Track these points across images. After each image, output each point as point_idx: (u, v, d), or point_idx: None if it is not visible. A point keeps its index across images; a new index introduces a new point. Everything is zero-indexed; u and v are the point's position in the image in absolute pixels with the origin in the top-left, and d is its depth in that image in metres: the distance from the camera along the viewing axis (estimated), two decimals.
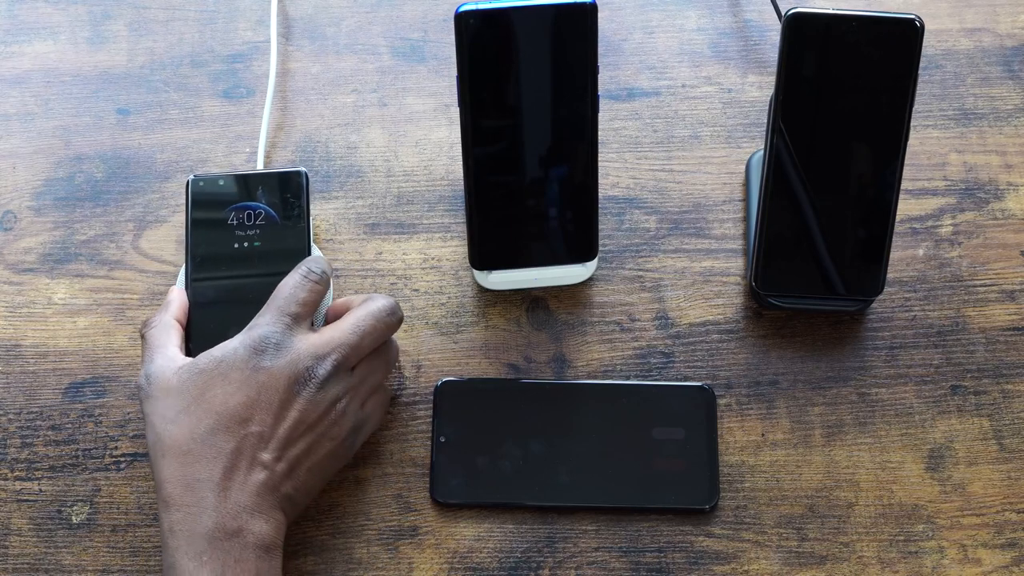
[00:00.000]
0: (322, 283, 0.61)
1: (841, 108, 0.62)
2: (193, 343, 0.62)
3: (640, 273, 0.69)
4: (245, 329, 0.58)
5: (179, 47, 0.76)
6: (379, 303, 0.60)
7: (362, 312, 0.60)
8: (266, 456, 0.56)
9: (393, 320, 0.61)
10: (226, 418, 0.56)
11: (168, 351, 0.59)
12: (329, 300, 0.66)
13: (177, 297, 0.63)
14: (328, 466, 0.60)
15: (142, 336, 0.61)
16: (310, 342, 0.58)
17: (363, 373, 0.60)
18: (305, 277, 0.60)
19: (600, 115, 0.63)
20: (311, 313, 0.60)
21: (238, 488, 0.55)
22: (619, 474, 0.64)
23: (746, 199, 0.71)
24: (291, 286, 0.60)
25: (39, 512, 0.64)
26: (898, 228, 0.69)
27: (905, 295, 0.69)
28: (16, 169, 0.73)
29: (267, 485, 0.56)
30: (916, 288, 0.69)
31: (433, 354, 0.67)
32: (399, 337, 0.68)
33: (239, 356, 0.57)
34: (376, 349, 0.61)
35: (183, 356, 0.59)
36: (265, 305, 0.59)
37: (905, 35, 0.61)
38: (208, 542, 0.54)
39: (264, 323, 0.58)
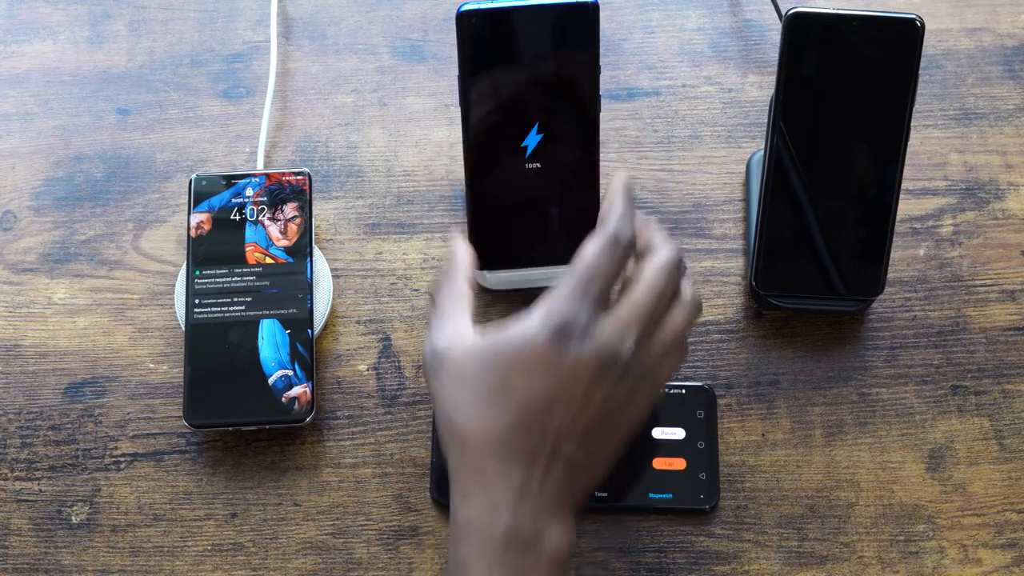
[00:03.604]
0: (628, 253, 0.54)
1: (841, 108, 0.62)
2: None
3: None
4: (543, 305, 0.52)
5: (179, 47, 0.76)
6: (664, 256, 0.54)
7: (652, 272, 0.54)
8: (567, 449, 0.51)
9: (682, 272, 0.55)
10: (529, 413, 0.51)
11: (458, 324, 0.54)
12: (328, 305, 0.66)
13: (465, 255, 0.57)
14: (620, 446, 0.54)
15: (431, 298, 0.56)
16: (612, 322, 0.52)
17: (661, 338, 0.54)
18: (612, 248, 0.53)
19: (600, 115, 0.63)
20: (612, 287, 0.53)
21: (538, 486, 0.51)
22: (619, 474, 0.64)
23: (746, 199, 0.71)
24: (596, 258, 0.53)
25: (39, 512, 0.64)
26: (898, 228, 0.69)
27: (905, 295, 0.69)
28: (16, 169, 0.73)
29: (567, 481, 0.52)
30: (916, 288, 0.69)
31: None
32: (399, 336, 0.68)
33: (541, 342, 0.51)
34: (671, 302, 0.55)
35: (472, 331, 0.53)
36: (565, 278, 0.53)
37: (905, 35, 0.61)
38: (503, 545, 0.50)
39: (567, 303, 0.51)
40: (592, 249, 0.53)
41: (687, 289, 0.56)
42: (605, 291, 0.52)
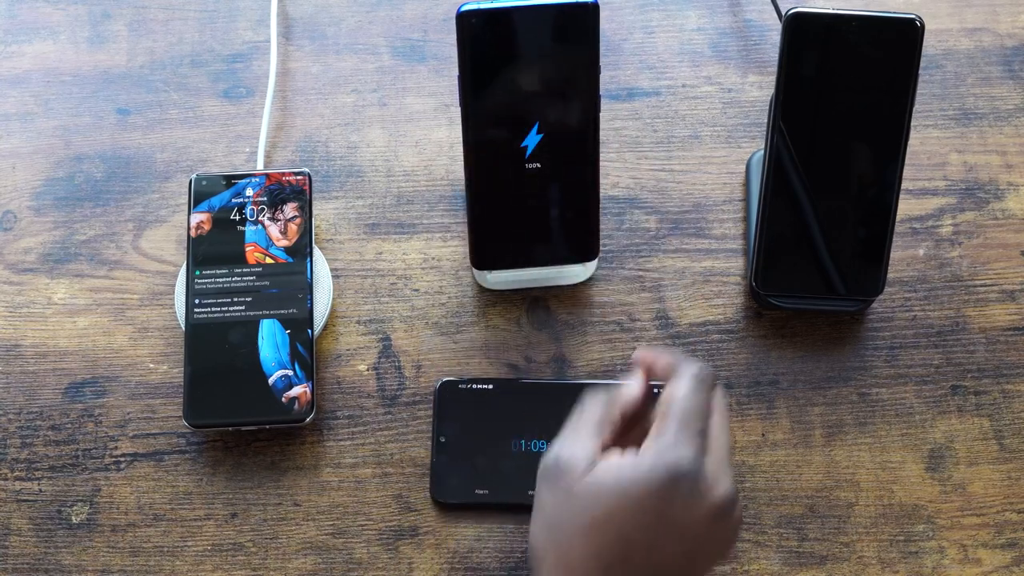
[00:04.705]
0: (713, 389, 0.56)
1: (841, 108, 0.62)
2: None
3: (640, 273, 0.69)
4: (654, 446, 0.53)
5: (179, 47, 0.76)
6: (722, 394, 0.56)
7: (721, 407, 0.56)
8: None
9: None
10: (632, 549, 0.51)
11: (586, 442, 0.54)
12: (328, 305, 0.66)
13: (638, 394, 0.57)
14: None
15: (583, 402, 0.56)
16: (714, 463, 0.53)
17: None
18: (701, 386, 0.55)
19: (600, 115, 0.63)
20: (708, 424, 0.54)
21: None
22: None
23: (746, 199, 0.71)
24: (693, 399, 0.54)
25: (39, 512, 0.64)
26: (898, 228, 0.69)
27: (905, 295, 0.69)
28: (16, 169, 0.73)
29: None
30: (916, 288, 0.69)
31: (433, 354, 0.67)
32: (399, 336, 0.68)
33: (654, 486, 0.51)
34: None
35: (592, 457, 0.53)
36: (666, 418, 0.53)
37: (905, 35, 0.61)
38: None
39: (677, 446, 0.52)
40: (684, 390, 0.54)
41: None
42: (704, 430, 0.54)
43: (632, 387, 0.57)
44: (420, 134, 0.73)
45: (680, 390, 0.54)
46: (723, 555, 0.55)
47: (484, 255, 0.66)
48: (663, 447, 0.52)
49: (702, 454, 0.53)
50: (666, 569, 0.52)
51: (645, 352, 0.58)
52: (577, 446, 0.54)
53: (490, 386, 0.66)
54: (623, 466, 0.52)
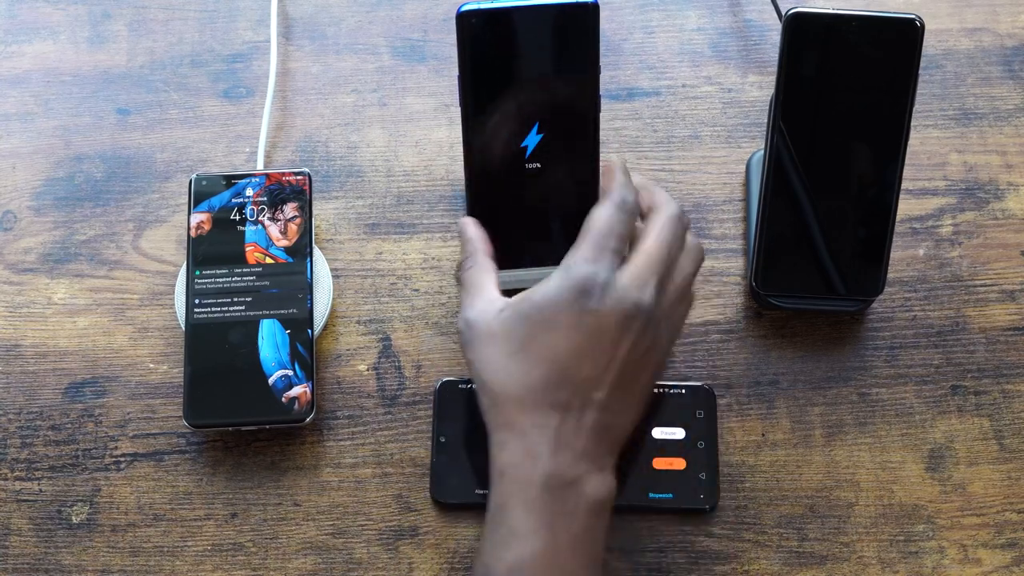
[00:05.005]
0: (635, 214, 0.57)
1: (841, 108, 0.62)
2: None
3: None
4: (562, 269, 0.55)
5: (179, 47, 0.76)
6: (669, 211, 0.57)
7: (660, 225, 0.56)
8: (598, 396, 0.54)
9: (685, 224, 0.58)
10: (557, 366, 0.54)
11: (488, 293, 0.57)
12: (328, 305, 0.66)
13: (477, 233, 0.60)
14: (649, 389, 0.58)
15: (457, 279, 0.59)
16: (630, 274, 0.55)
17: (674, 285, 0.57)
18: (621, 210, 0.56)
19: (600, 115, 0.63)
20: (626, 245, 0.56)
21: (572, 433, 0.53)
22: (619, 474, 0.63)
23: (746, 199, 0.71)
24: (608, 219, 0.56)
25: (39, 512, 0.64)
26: (898, 228, 0.69)
27: (905, 295, 0.69)
28: (16, 169, 0.73)
29: (601, 427, 0.54)
30: (916, 288, 0.69)
31: (433, 354, 0.67)
32: (399, 336, 0.68)
33: (563, 300, 0.54)
34: (679, 252, 0.58)
35: (502, 298, 0.57)
36: (580, 240, 0.55)
37: (905, 35, 0.61)
38: (542, 488, 0.53)
39: (584, 261, 0.54)
40: (602, 212, 0.56)
41: (690, 239, 0.58)
42: (620, 248, 0.55)
43: (466, 224, 0.60)
44: (420, 134, 0.73)
45: (597, 212, 0.56)
46: (657, 363, 0.57)
47: None
48: (571, 264, 0.55)
49: (614, 267, 0.54)
50: (600, 377, 0.54)
51: (611, 165, 0.59)
52: (479, 301, 0.57)
53: None
54: (534, 291, 0.55)
